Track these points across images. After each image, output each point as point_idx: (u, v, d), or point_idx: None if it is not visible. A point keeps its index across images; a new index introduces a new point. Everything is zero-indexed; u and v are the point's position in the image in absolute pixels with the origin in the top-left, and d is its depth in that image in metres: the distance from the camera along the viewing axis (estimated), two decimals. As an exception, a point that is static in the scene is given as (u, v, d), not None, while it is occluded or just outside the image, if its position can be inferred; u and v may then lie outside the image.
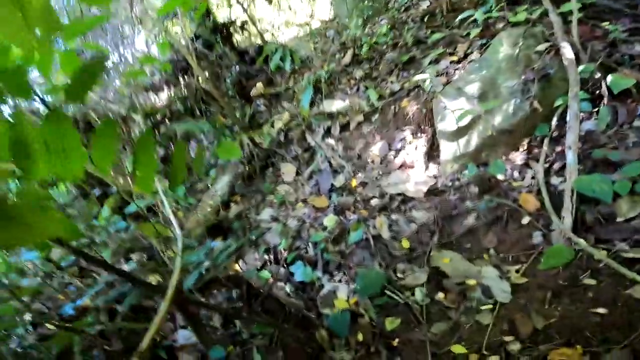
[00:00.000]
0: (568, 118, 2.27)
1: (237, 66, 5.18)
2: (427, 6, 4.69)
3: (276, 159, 3.78)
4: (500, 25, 3.26)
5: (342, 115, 3.45)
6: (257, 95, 4.60)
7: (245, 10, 5.72)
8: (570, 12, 2.91)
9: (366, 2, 5.04)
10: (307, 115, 3.60)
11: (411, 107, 3.05)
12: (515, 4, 3.52)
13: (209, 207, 3.73)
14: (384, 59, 3.91)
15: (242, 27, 6.10)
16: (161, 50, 2.25)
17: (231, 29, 5.93)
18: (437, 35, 3.55)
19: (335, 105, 3.51)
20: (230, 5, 6.69)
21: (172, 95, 4.60)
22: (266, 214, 3.49)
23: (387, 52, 3.91)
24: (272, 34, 6.68)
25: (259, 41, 5.93)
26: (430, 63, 3.18)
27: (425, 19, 4.38)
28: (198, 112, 4.61)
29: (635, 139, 2.20)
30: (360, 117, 3.35)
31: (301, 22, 7.43)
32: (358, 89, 3.71)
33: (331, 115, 3.51)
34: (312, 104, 4.00)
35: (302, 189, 3.34)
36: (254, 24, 5.75)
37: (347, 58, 4.34)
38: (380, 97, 3.34)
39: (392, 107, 3.20)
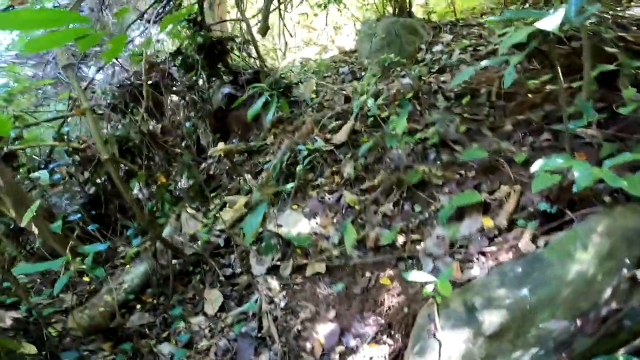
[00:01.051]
0: None
1: (210, 104, 4.04)
2: (470, 78, 3.41)
3: (206, 268, 2.63)
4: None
5: (300, 250, 2.25)
6: (218, 153, 3.44)
7: (250, 31, 4.54)
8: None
9: (392, 54, 3.79)
10: (250, 244, 2.42)
11: (391, 294, 1.84)
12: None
13: (103, 304, 2.60)
14: (387, 156, 2.69)
15: (243, 45, 4.92)
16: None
17: (228, 46, 4.75)
18: (474, 152, 2.28)
19: (298, 226, 2.32)
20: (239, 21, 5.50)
21: (111, 130, 3.49)
22: (166, 349, 2.40)
23: (395, 149, 2.68)
24: (276, 59, 5.47)
25: (258, 64, 4.76)
26: (448, 218, 1.93)
27: (464, 101, 3.11)
28: (140, 159, 3.48)
29: None
30: (322, 267, 2.16)
31: (320, 44, 6.20)
32: (339, 200, 2.51)
33: (287, 244, 2.31)
34: (276, 195, 2.82)
35: (218, 338, 2.21)
36: (255, 46, 4.56)
37: (343, 135, 3.11)
38: (360, 243, 2.13)
39: (368, 274, 1.99)
